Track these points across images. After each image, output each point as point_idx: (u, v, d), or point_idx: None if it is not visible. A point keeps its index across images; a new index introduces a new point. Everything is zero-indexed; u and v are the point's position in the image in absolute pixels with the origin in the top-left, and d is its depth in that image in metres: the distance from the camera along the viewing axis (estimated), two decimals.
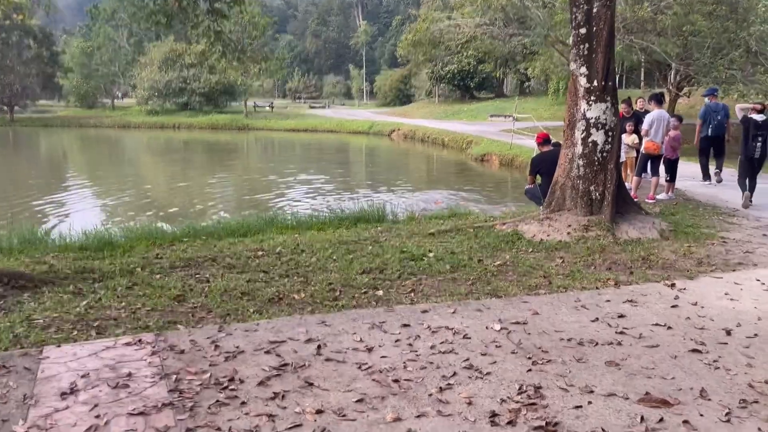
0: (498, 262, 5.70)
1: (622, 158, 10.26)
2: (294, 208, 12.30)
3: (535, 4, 24.21)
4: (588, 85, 6.83)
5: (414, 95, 56.66)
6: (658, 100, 9.90)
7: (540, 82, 43.99)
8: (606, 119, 6.83)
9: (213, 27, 10.00)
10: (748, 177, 9.02)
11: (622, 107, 10.72)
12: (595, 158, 6.87)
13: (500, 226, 7.28)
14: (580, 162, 6.95)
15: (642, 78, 46.88)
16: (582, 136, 6.92)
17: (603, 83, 6.78)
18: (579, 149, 6.95)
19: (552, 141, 8.89)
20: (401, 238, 6.98)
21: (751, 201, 8.99)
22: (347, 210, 9.70)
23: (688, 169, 11.81)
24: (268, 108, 51.60)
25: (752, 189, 9.06)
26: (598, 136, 6.85)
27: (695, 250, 6.11)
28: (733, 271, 5.47)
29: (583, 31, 6.80)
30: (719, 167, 11.21)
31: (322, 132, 38.34)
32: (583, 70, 6.84)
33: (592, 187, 6.90)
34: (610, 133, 6.86)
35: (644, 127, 9.42)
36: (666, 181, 9.64)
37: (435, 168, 20.58)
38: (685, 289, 4.90)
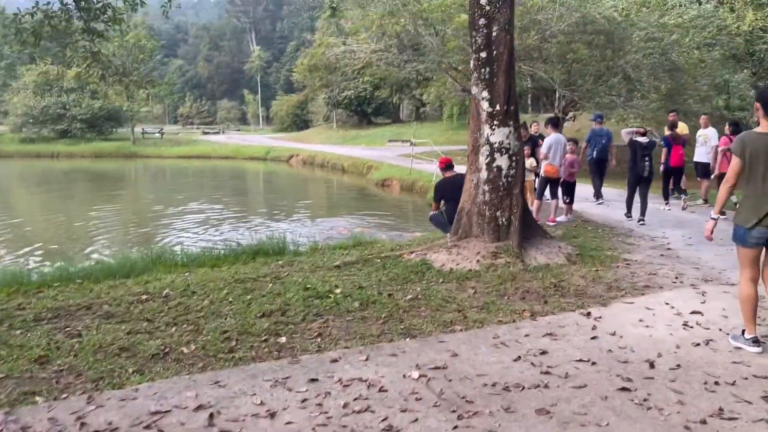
0: (409, 296, 5.35)
1: None
2: (185, 242, 11.42)
3: (428, 32, 24.71)
4: (490, 110, 6.71)
5: (311, 120, 56.33)
6: (555, 124, 10.06)
7: (435, 108, 45.09)
8: (509, 144, 6.74)
9: (89, 47, 9.15)
10: (640, 195, 9.66)
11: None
12: (500, 183, 6.75)
13: (408, 256, 6.97)
14: (486, 187, 6.79)
15: (529, 103, 49.29)
16: (486, 161, 6.78)
17: (505, 107, 6.70)
18: (484, 174, 6.80)
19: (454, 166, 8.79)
20: (304, 272, 6.49)
21: (643, 221, 9.49)
22: (244, 242, 9.08)
23: (579, 191, 12.14)
24: (157, 134, 49.30)
25: (644, 208, 9.65)
26: (502, 161, 6.73)
27: (603, 274, 6.07)
28: (642, 294, 5.43)
29: (483, 54, 6.70)
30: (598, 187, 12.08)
31: (216, 158, 37.01)
32: (485, 94, 6.72)
33: (498, 213, 6.76)
34: (514, 158, 6.77)
35: (542, 150, 9.52)
36: (565, 203, 9.79)
37: (336, 194, 20.20)
38: (600, 317, 4.76)
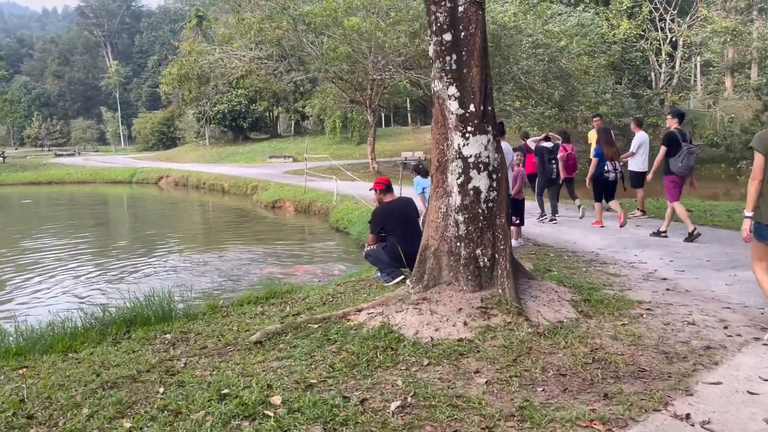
0: (396, 404, 3.38)
1: None
2: (21, 307, 8.49)
3: (310, 39, 22.80)
4: (461, 112, 4.93)
5: (180, 138, 52.27)
6: (502, 131, 8.60)
7: (315, 121, 43.19)
8: (489, 156, 4.98)
9: None
10: (549, 196, 10.36)
11: None
12: (480, 210, 4.97)
13: (356, 317, 4.98)
14: (459, 217, 4.98)
15: (408, 115, 48.75)
16: (459, 181, 4.98)
17: (482, 108, 4.94)
18: (456, 200, 4.99)
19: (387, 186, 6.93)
20: (211, 358, 4.34)
21: (555, 219, 10.22)
22: (114, 301, 6.66)
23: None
24: None
25: (555, 208, 10.37)
26: (480, 181, 4.96)
27: (635, 331, 4.45)
28: (715, 364, 3.85)
29: (447, 37, 4.90)
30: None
31: (72, 183, 32.58)
32: (452, 90, 4.93)
33: (479, 251, 4.97)
34: (494, 176, 5.02)
35: None
36: (514, 224, 8.25)
37: (221, 220, 17.54)
38: (708, 422, 3.08)
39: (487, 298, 4.80)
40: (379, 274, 7.02)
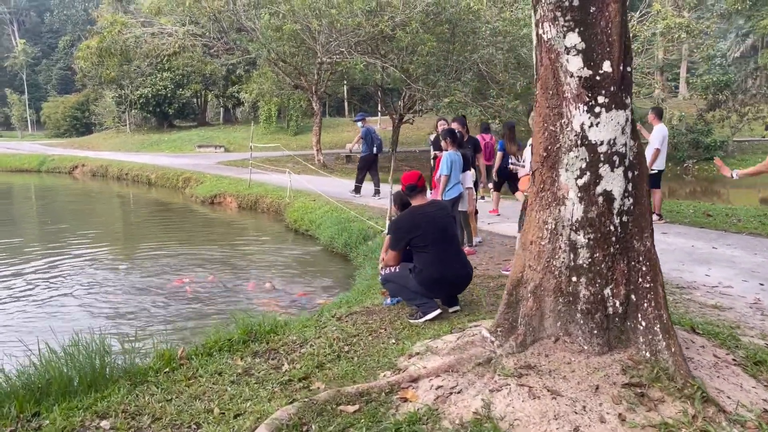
0: None
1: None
2: None
3: (248, 16, 20.44)
4: (588, 73, 3.15)
5: (96, 125, 48.03)
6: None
7: (248, 109, 40.50)
8: (626, 146, 3.24)
9: None
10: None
11: (456, 128, 7.65)
12: (611, 227, 3.22)
13: (413, 392, 3.14)
14: (579, 237, 3.22)
15: (346, 105, 46.74)
16: (580, 181, 3.21)
17: (620, 68, 3.18)
18: (574, 210, 3.23)
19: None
20: None
21: None
22: (7, 352, 4.58)
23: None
24: None
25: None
26: (613, 182, 3.21)
27: None
28: None
29: None
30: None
31: None
32: (573, 39, 3.15)
33: (608, 290, 3.23)
34: (632, 174, 3.28)
35: (526, 158, 6.28)
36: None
37: (152, 217, 14.88)
38: None
39: (629, 366, 3.07)
40: (389, 300, 5.20)
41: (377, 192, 12.68)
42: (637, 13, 28.29)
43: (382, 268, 5.00)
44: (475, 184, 8.10)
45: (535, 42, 3.28)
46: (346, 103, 46.52)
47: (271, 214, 13.55)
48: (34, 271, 8.75)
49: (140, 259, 9.55)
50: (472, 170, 7.64)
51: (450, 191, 6.66)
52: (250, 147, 16.79)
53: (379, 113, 37.65)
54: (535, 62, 3.35)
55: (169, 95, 36.43)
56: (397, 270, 4.76)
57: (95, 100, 45.42)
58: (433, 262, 4.57)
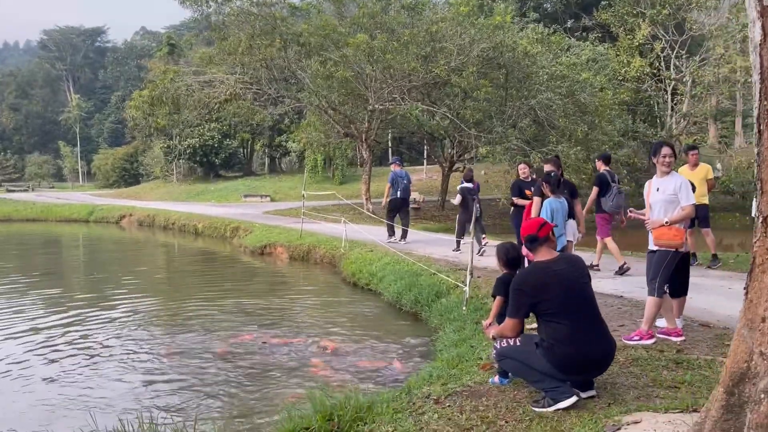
0: None
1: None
2: None
3: (299, 65, 20.20)
4: None
5: (144, 175, 48.81)
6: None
7: (290, 160, 40.48)
8: None
9: None
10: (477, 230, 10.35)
11: (550, 169, 6.74)
12: None
13: None
14: None
15: (390, 153, 46.37)
16: None
17: None
18: None
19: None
20: None
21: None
22: None
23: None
24: None
25: (480, 242, 10.97)
26: None
27: None
28: None
29: None
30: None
31: (18, 221, 28.87)
32: None
33: None
34: None
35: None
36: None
37: (201, 268, 14.14)
38: None
39: None
40: (497, 379, 4.19)
41: (404, 235, 12.76)
42: (697, 57, 27.28)
43: (494, 338, 4.02)
44: None
45: (759, 39, 2.36)
46: (389, 152, 46.19)
47: (324, 266, 12.72)
48: (80, 340, 8.01)
49: (187, 316, 8.74)
50: (572, 220, 6.66)
51: None
52: (302, 195, 16.12)
53: (425, 161, 37.05)
54: (759, 66, 2.42)
55: (215, 145, 36.68)
56: (518, 344, 3.78)
57: (144, 151, 46.27)
58: (568, 335, 3.58)
